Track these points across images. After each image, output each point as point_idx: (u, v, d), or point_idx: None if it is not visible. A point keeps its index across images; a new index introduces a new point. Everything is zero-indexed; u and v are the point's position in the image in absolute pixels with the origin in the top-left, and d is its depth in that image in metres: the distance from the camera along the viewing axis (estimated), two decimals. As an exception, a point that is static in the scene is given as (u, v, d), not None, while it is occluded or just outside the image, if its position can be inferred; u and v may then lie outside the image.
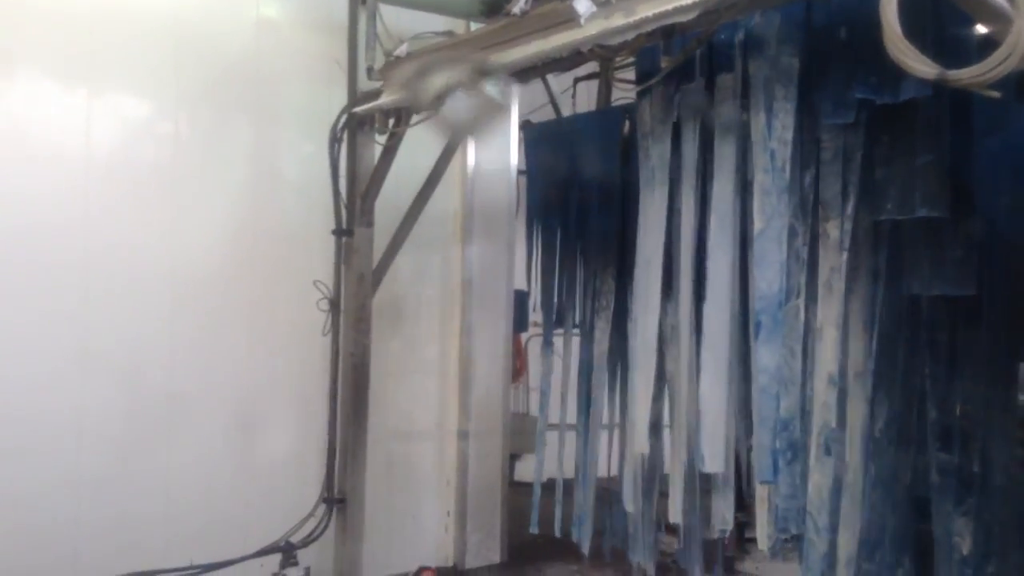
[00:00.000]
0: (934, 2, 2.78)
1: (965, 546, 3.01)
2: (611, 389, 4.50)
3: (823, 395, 3.20)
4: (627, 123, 4.21)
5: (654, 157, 3.76)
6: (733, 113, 3.40)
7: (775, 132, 3.22)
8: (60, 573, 4.64)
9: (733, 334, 3.48)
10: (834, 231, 3.17)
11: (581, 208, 4.57)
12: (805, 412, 3.27)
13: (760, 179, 3.29)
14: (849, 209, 3.14)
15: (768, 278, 3.26)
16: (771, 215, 3.25)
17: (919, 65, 2.42)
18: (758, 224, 3.30)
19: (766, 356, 3.26)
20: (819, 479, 3.23)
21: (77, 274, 4.78)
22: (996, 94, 2.35)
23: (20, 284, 4.63)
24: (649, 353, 3.84)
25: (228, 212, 5.29)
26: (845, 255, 3.14)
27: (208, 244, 5.20)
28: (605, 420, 4.57)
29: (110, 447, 4.86)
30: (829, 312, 3.20)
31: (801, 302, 3.26)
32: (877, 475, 3.19)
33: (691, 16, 3.02)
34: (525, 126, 5.17)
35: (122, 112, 5.00)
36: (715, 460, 3.51)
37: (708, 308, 3.53)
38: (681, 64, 3.57)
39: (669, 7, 3.06)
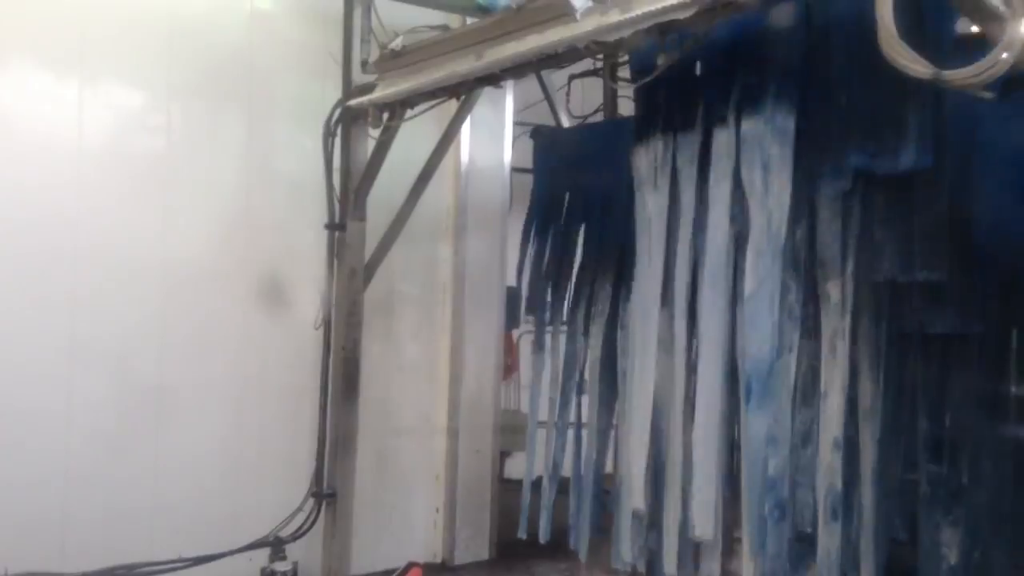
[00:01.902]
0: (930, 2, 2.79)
1: (952, 556, 3.01)
2: (606, 392, 4.47)
3: (828, 458, 3.16)
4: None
5: (650, 206, 3.70)
6: (728, 167, 3.33)
7: (772, 191, 3.17)
8: (48, 564, 4.62)
9: (725, 395, 3.41)
10: (835, 292, 3.12)
11: (586, 215, 4.57)
12: (800, 469, 3.23)
13: (755, 239, 3.23)
14: (849, 269, 3.10)
15: (758, 341, 3.19)
16: (764, 276, 3.19)
17: (914, 65, 2.42)
18: (750, 285, 3.23)
19: (756, 423, 3.21)
20: (827, 542, 3.17)
21: (67, 266, 4.76)
22: (990, 95, 2.35)
23: (10, 276, 4.61)
24: (645, 409, 3.76)
25: (220, 205, 5.28)
26: (848, 318, 3.10)
27: (200, 237, 5.19)
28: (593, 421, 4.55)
29: (99, 440, 4.84)
30: (834, 377, 3.15)
31: (792, 357, 3.20)
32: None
33: (688, 13, 3.01)
34: (535, 133, 5.15)
35: (114, 104, 4.98)
36: (705, 528, 3.47)
37: (701, 369, 3.46)
38: (678, 110, 3.53)
39: (666, 4, 3.05)
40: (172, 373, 5.07)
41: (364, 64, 4.87)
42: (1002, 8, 2.30)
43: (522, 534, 4.90)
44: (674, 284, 3.63)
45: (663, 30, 3.21)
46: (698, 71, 3.50)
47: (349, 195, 5.15)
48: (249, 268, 5.30)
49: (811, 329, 3.24)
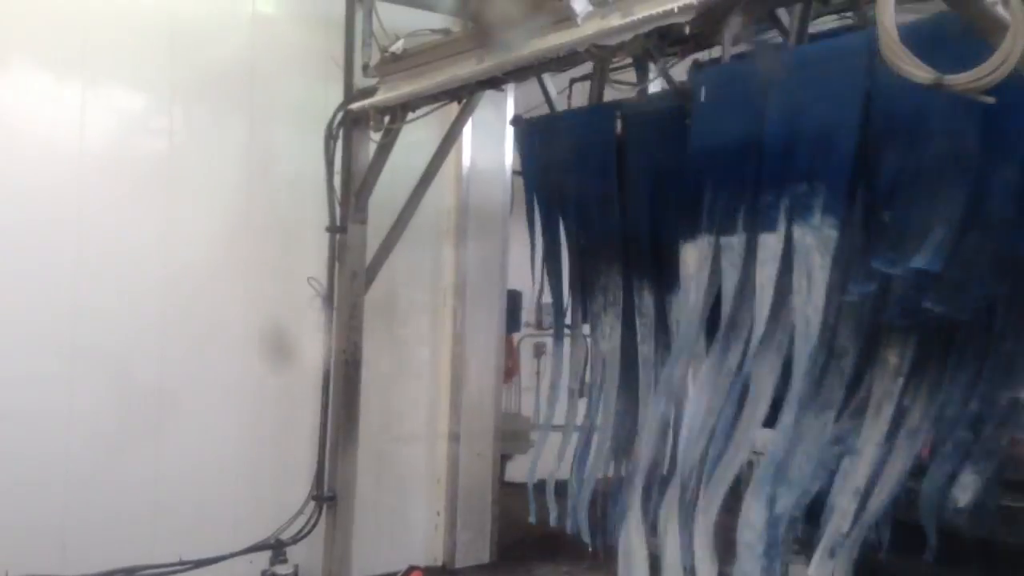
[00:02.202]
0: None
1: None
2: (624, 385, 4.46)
3: (846, 505, 3.21)
4: (619, 122, 4.16)
5: (692, 300, 3.72)
6: (772, 272, 3.36)
7: (812, 298, 3.22)
8: (49, 567, 4.61)
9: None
10: (893, 359, 3.18)
11: (579, 205, 4.52)
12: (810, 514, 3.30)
13: (798, 347, 3.27)
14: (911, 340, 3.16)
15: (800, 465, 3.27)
16: (804, 399, 3.25)
17: (915, 70, 2.42)
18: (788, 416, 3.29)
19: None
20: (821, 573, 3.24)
21: (69, 268, 4.76)
22: (991, 99, 2.35)
23: (11, 278, 4.61)
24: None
25: (222, 208, 5.28)
26: (901, 380, 3.16)
27: (201, 240, 5.19)
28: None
29: (100, 442, 4.83)
30: (874, 433, 3.21)
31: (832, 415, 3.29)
32: None
33: (688, 17, 3.02)
34: (515, 121, 5.09)
35: (117, 107, 4.99)
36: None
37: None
38: (721, 214, 3.55)
39: (666, 8, 3.06)
40: (173, 376, 5.07)
41: (365, 67, 4.87)
42: (1003, 13, 2.30)
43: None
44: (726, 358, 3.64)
45: (663, 34, 3.22)
46: (744, 174, 3.51)
47: (350, 198, 5.15)
48: (250, 271, 5.30)
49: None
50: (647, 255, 4.08)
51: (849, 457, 3.25)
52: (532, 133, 4.85)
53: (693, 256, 3.66)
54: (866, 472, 3.22)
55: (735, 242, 3.48)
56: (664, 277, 4.00)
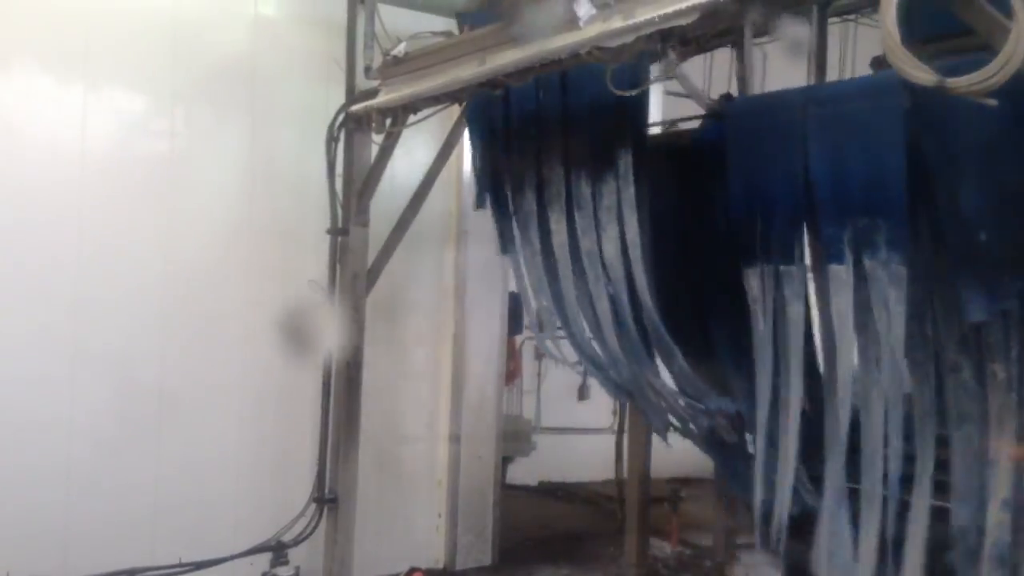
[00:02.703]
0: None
1: None
2: None
3: (995, 517, 3.24)
4: None
5: (761, 324, 3.76)
6: (846, 304, 3.42)
7: (893, 330, 3.27)
8: (50, 568, 4.62)
9: None
10: (1001, 373, 3.22)
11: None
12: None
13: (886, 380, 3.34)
14: (1013, 354, 3.18)
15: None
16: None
17: (918, 73, 2.42)
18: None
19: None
20: None
21: (71, 269, 4.77)
22: (993, 102, 2.35)
23: (13, 279, 4.62)
24: None
25: (223, 209, 5.28)
26: (1014, 395, 3.20)
27: (203, 241, 5.19)
28: None
29: (101, 443, 4.84)
30: (1003, 444, 3.23)
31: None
32: None
33: (690, 20, 3.02)
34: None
35: (118, 108, 5.00)
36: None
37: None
38: (778, 244, 3.61)
39: (668, 10, 3.06)
40: (174, 378, 5.07)
41: (367, 70, 4.87)
42: (1004, 16, 2.30)
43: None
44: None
45: (665, 36, 3.21)
46: (795, 206, 3.56)
47: (352, 200, 5.15)
48: (251, 273, 5.31)
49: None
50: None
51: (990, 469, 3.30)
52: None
53: (755, 283, 3.73)
54: (1008, 483, 3.26)
55: (794, 271, 3.59)
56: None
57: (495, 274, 6.23)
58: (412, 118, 4.72)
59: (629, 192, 3.93)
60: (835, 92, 3.60)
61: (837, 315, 3.46)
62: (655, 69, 3.60)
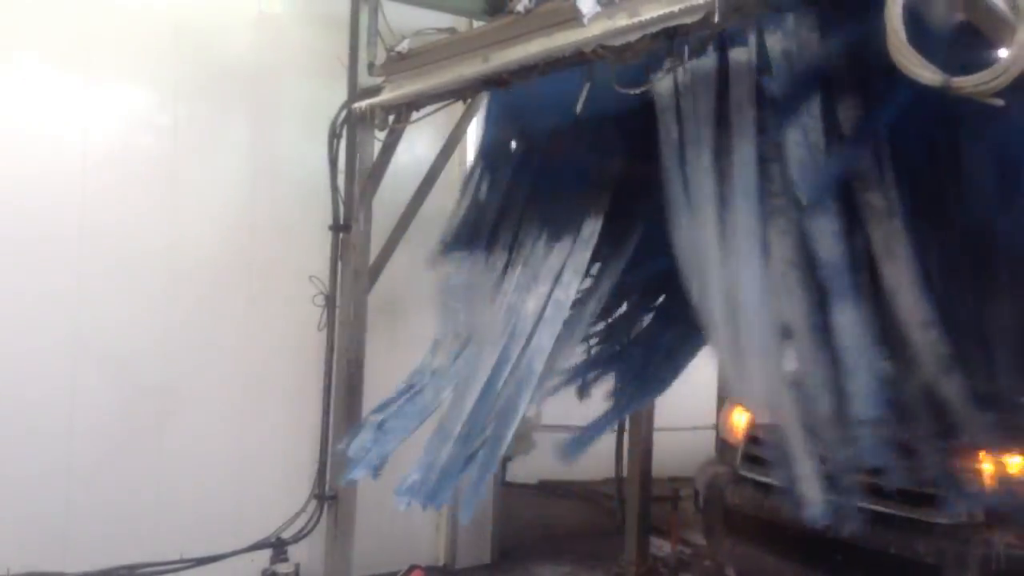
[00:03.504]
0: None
1: None
2: None
3: (920, 344, 3.07)
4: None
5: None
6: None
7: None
8: (50, 563, 4.62)
9: None
10: (878, 201, 3.10)
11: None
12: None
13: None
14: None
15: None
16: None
17: (923, 72, 2.41)
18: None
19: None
20: None
21: (72, 265, 4.77)
22: (1000, 102, 2.34)
23: (14, 274, 4.62)
24: None
25: (225, 205, 5.28)
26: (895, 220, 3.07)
27: (204, 237, 5.19)
28: None
29: (102, 438, 4.84)
30: (897, 272, 3.08)
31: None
32: None
33: (696, 18, 3.01)
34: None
35: (120, 103, 4.99)
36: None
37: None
38: None
39: (674, 8, 3.06)
40: (175, 373, 5.07)
41: (370, 66, 4.86)
42: (1010, 14, 2.30)
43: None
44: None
45: (670, 34, 3.21)
46: None
47: (354, 197, 5.15)
48: (253, 269, 5.31)
49: None
50: None
51: None
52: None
53: None
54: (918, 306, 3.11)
55: None
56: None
57: (497, 272, 6.22)
58: (415, 115, 4.71)
59: None
60: None
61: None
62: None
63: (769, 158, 3.30)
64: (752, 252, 3.29)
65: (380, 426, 4.29)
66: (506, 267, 4.35)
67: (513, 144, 4.61)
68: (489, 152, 4.73)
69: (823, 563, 3.80)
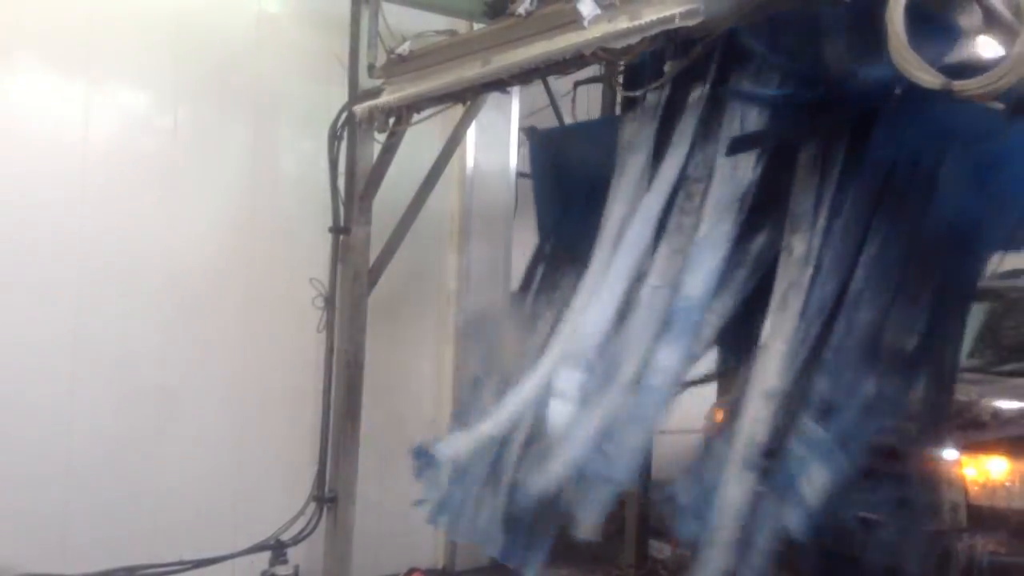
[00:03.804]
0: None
1: None
2: None
3: (756, 410, 3.10)
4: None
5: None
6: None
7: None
8: (49, 565, 4.60)
9: None
10: (800, 245, 3.11)
11: (586, 214, 4.52)
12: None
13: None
14: (820, 223, 3.09)
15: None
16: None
17: (924, 75, 2.41)
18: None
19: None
20: (734, 493, 3.13)
21: (72, 265, 4.76)
22: (1000, 106, 2.35)
23: (14, 275, 4.60)
24: None
25: (225, 207, 5.28)
26: (809, 270, 3.07)
27: (204, 239, 5.18)
28: None
29: (101, 440, 4.83)
30: (781, 327, 3.09)
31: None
32: None
33: (696, 21, 3.02)
34: (531, 132, 5.11)
35: (121, 104, 4.98)
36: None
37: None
38: None
39: (674, 11, 3.06)
40: (174, 374, 5.06)
41: (371, 68, 4.87)
42: (1012, 19, 2.30)
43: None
44: None
45: (670, 37, 3.21)
46: None
47: (354, 199, 5.15)
48: (253, 270, 5.30)
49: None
50: None
51: None
52: (544, 144, 4.87)
53: None
54: (777, 371, 3.13)
55: None
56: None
57: (497, 274, 6.23)
58: (415, 117, 4.71)
59: None
60: None
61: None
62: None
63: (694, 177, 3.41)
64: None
65: None
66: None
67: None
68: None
69: (812, 569, 3.78)
